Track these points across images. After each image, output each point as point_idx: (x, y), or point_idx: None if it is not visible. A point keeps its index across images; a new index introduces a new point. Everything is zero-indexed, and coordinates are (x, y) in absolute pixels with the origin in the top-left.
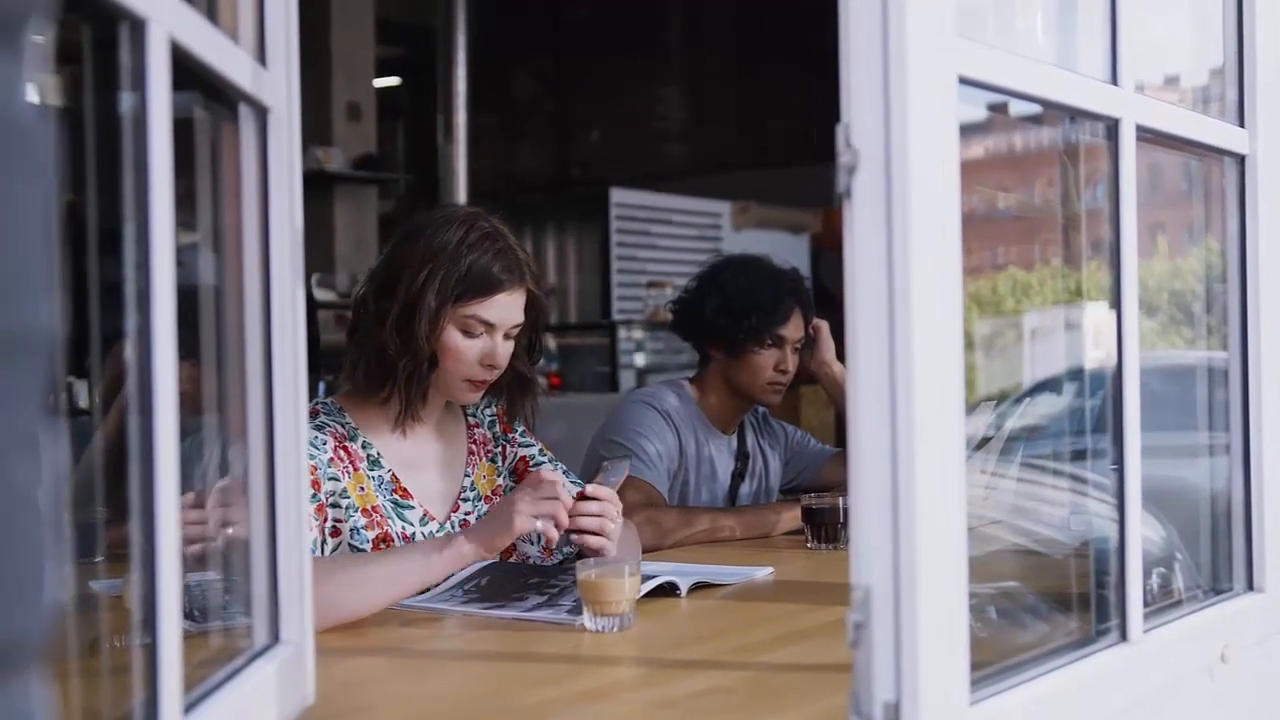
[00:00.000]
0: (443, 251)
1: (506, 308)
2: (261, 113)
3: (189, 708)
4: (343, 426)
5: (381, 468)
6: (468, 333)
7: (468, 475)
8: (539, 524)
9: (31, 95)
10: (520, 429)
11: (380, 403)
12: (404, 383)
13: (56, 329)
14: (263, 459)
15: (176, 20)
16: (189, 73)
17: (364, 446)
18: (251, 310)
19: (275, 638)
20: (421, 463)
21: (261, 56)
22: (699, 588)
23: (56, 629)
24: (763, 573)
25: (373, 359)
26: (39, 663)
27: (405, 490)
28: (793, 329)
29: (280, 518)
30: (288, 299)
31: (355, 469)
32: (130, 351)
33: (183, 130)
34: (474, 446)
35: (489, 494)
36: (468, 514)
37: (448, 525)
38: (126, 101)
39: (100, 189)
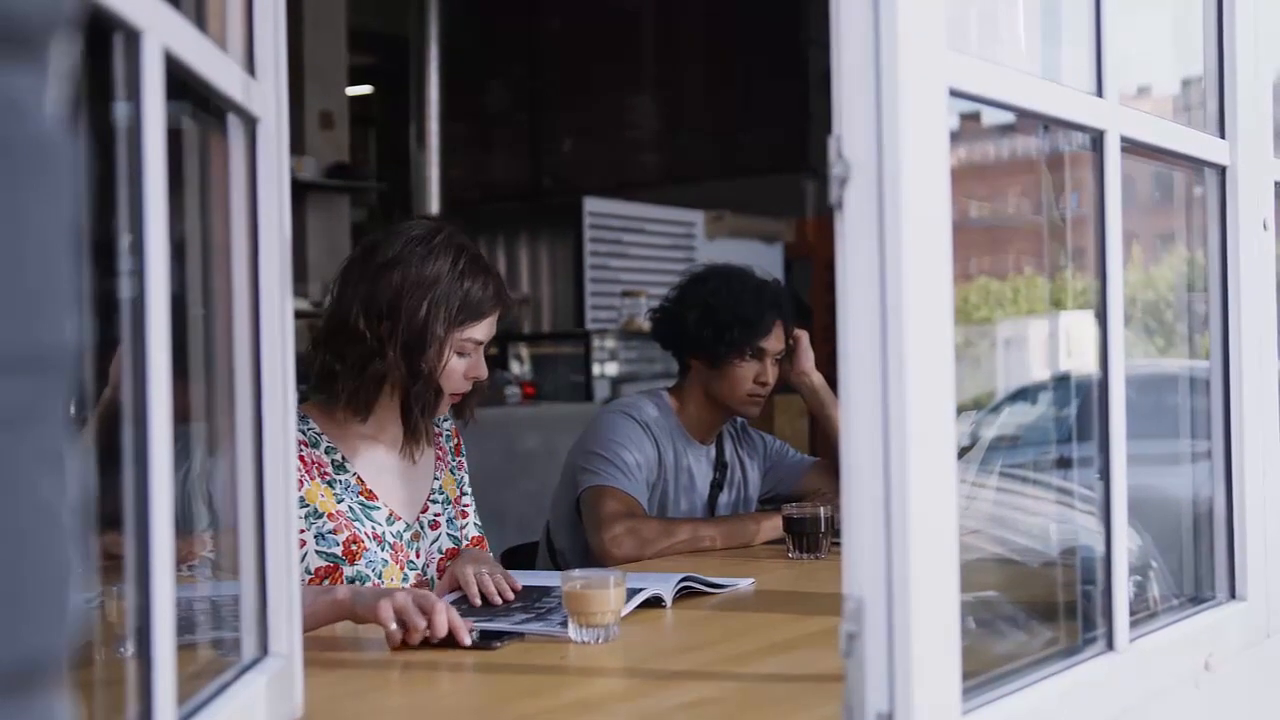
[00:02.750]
0: (438, 281)
1: (492, 325)
2: (251, 123)
3: None
4: (304, 433)
5: (347, 471)
6: (461, 354)
7: (436, 478)
8: (393, 625)
9: (55, 110)
10: (462, 455)
11: (361, 421)
12: (420, 411)
13: (77, 345)
14: (251, 471)
15: (171, 31)
16: (179, 82)
17: (328, 452)
18: (240, 321)
19: (264, 650)
20: (390, 467)
21: (251, 67)
22: (685, 595)
23: (77, 644)
24: (745, 583)
25: (373, 385)
26: (63, 678)
27: (371, 492)
28: (774, 342)
29: (269, 531)
30: (276, 309)
31: (312, 476)
32: (125, 361)
33: (170, 140)
34: (440, 453)
35: (454, 499)
36: (437, 515)
37: (415, 525)
38: (120, 111)
39: (91, 198)
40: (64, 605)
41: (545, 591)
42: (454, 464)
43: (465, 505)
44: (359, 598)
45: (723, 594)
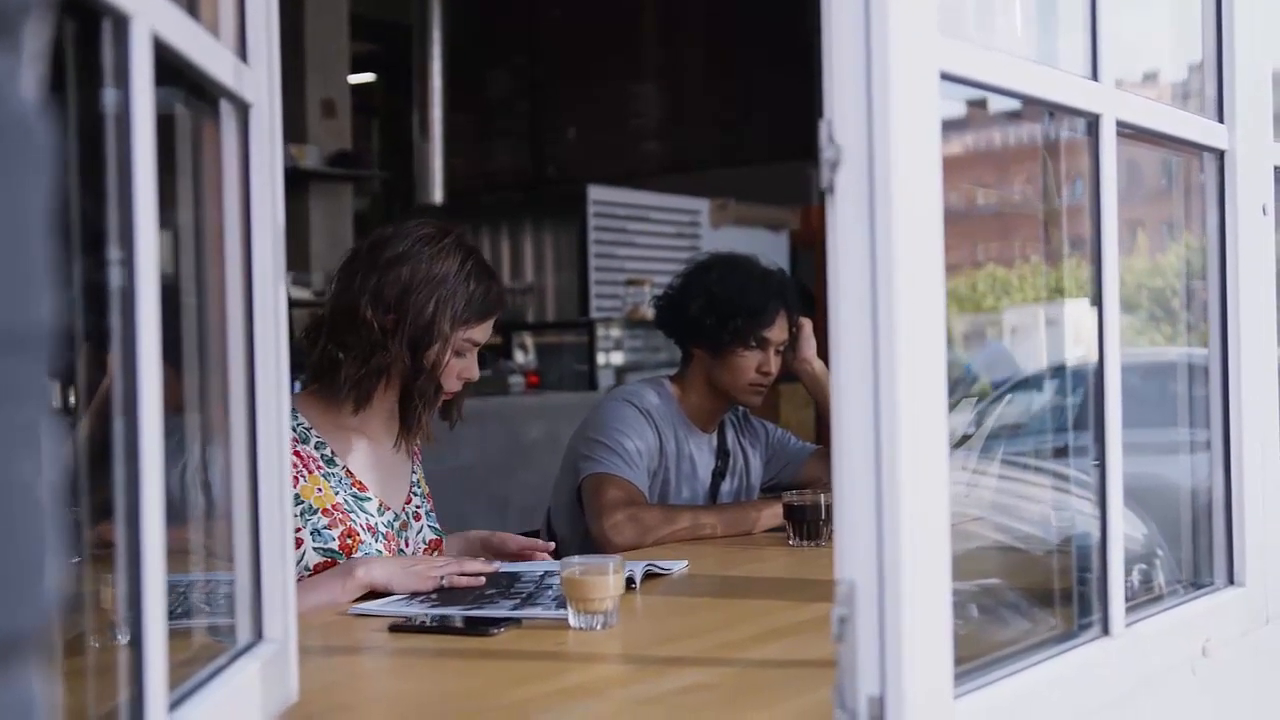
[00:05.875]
0: (446, 280)
1: (490, 328)
2: (243, 109)
3: (173, 705)
4: (294, 430)
5: (337, 465)
6: (458, 354)
7: (414, 472)
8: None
9: (30, 89)
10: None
11: (354, 413)
12: (422, 405)
13: (53, 324)
14: (244, 459)
15: (160, 16)
16: (170, 68)
17: (317, 447)
18: (233, 309)
19: (259, 635)
20: (373, 460)
21: (243, 53)
22: (649, 577)
23: (55, 623)
24: (680, 565)
25: (374, 376)
26: (40, 655)
27: (361, 483)
28: (777, 331)
29: (263, 516)
30: (270, 297)
31: (310, 470)
32: (114, 351)
33: (161, 126)
34: (416, 450)
35: (428, 493)
36: (418, 507)
37: (403, 515)
38: (109, 97)
39: (81, 186)
40: (41, 583)
41: (515, 577)
42: (421, 461)
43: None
44: (391, 576)
45: (716, 579)
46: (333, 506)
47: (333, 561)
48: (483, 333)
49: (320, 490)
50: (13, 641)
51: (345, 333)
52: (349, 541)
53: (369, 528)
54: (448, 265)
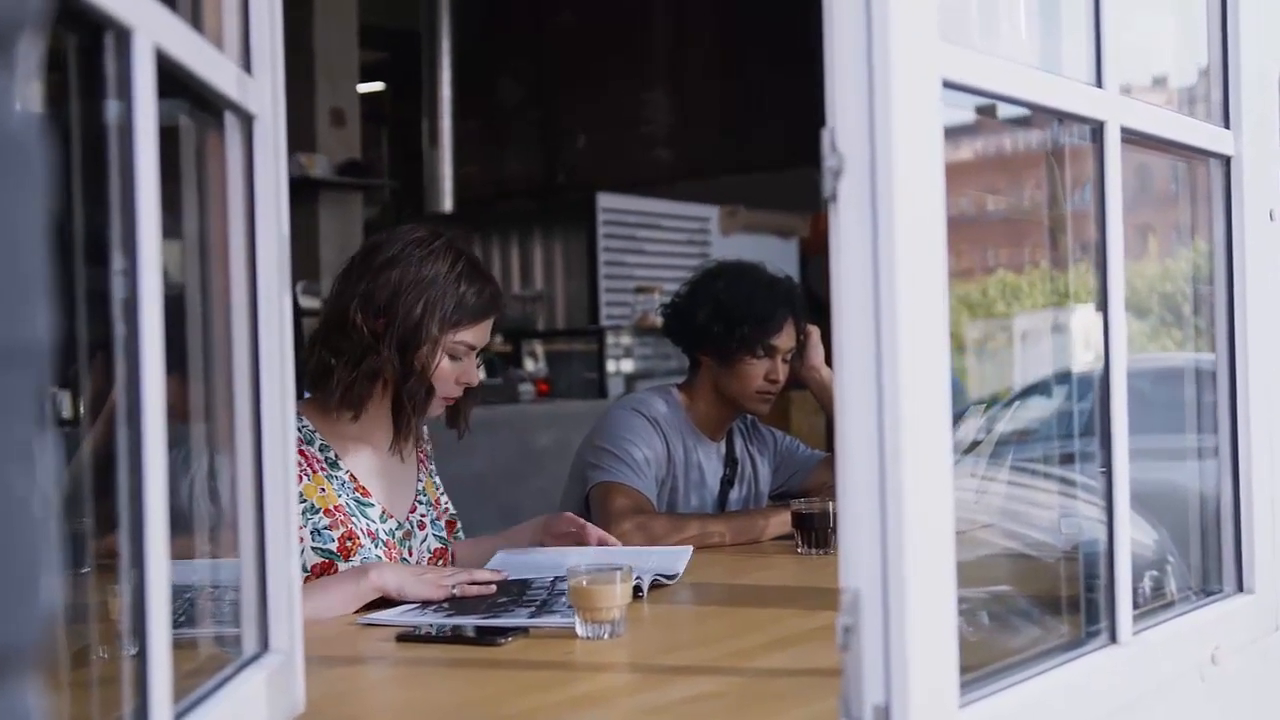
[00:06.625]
0: (435, 282)
1: (485, 331)
2: (247, 120)
3: (179, 716)
4: (299, 431)
5: (341, 469)
6: (453, 357)
7: (420, 480)
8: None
9: (25, 105)
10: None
11: (353, 419)
12: (411, 408)
13: (51, 339)
14: (250, 469)
15: (162, 29)
16: (174, 80)
17: (321, 450)
18: (238, 320)
19: (265, 646)
20: (378, 467)
21: (247, 64)
22: (655, 586)
23: (50, 636)
24: (684, 552)
25: (366, 381)
26: (35, 668)
27: (364, 489)
28: (785, 339)
29: (269, 527)
30: (274, 308)
31: (314, 471)
32: (118, 361)
33: (167, 138)
34: (422, 457)
35: (434, 501)
36: (423, 516)
37: (407, 524)
38: (112, 110)
39: (84, 197)
40: (35, 597)
41: (526, 585)
42: (431, 469)
43: (446, 506)
44: (403, 582)
45: (724, 588)
46: (335, 508)
47: (331, 563)
48: (476, 335)
49: (323, 490)
50: (8, 655)
51: (338, 338)
52: (348, 544)
53: (369, 533)
54: (437, 267)
